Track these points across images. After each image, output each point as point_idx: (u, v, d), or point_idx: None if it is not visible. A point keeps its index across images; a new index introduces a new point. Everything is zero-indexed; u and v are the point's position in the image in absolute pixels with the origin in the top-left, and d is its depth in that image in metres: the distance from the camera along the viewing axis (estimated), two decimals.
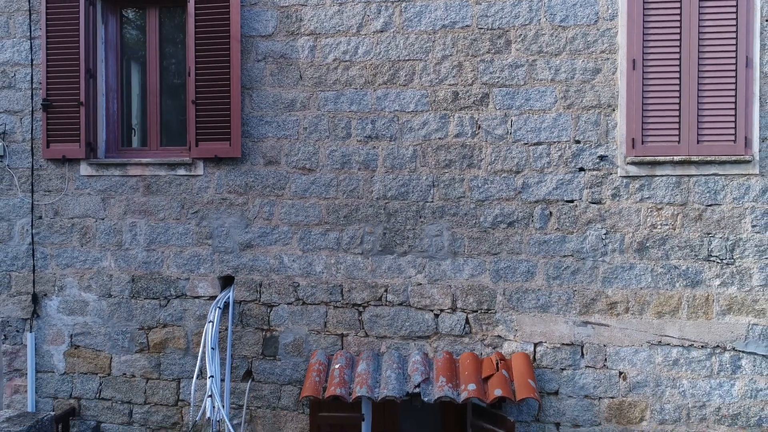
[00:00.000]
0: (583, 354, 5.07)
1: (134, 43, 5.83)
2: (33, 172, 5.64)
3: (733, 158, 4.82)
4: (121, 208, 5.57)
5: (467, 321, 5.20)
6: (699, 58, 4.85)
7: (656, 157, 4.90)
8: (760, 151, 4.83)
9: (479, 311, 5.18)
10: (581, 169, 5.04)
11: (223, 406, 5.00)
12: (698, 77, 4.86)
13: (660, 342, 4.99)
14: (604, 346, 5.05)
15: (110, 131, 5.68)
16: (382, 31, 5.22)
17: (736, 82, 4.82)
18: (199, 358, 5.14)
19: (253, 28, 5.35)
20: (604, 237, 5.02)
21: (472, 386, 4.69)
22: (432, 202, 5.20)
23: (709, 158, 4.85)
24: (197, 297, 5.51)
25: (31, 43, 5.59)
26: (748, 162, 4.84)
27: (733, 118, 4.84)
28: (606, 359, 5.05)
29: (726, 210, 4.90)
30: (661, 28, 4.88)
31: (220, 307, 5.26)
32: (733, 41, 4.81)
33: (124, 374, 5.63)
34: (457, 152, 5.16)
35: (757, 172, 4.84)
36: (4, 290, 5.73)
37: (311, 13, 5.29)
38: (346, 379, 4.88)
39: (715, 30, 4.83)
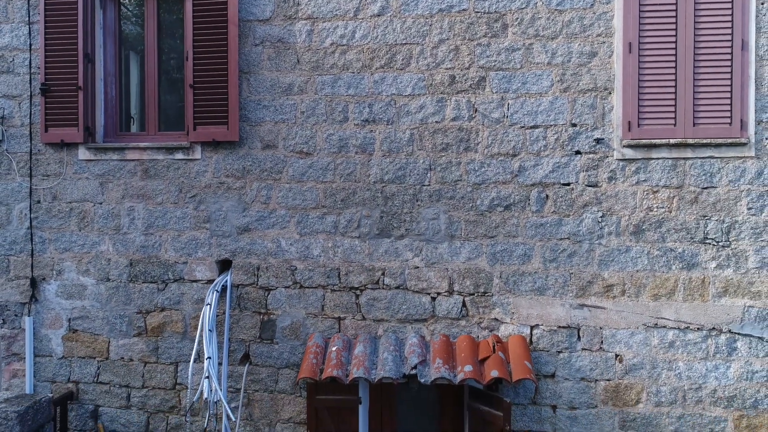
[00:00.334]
0: (579, 337, 5.09)
1: (132, 28, 5.85)
2: (31, 157, 5.66)
3: (729, 141, 4.84)
4: (119, 193, 5.59)
5: (464, 304, 5.22)
6: (695, 41, 4.87)
7: (652, 140, 4.92)
8: (755, 133, 4.85)
9: (476, 294, 5.20)
10: (578, 153, 5.06)
11: (221, 388, 5.02)
12: (694, 60, 4.87)
13: (656, 324, 5.00)
14: (601, 328, 5.07)
15: (108, 116, 5.70)
16: (379, 15, 5.24)
17: (732, 65, 4.84)
18: (196, 341, 5.17)
19: (250, 12, 5.37)
20: (600, 220, 5.04)
21: (468, 368, 4.71)
22: (429, 185, 5.22)
23: (705, 141, 4.87)
24: (195, 281, 5.53)
25: (29, 27, 5.60)
26: (743, 145, 4.86)
27: (729, 101, 4.86)
28: (602, 342, 5.06)
29: (722, 192, 4.92)
30: (657, 11, 4.90)
31: (217, 291, 5.28)
32: (729, 24, 4.83)
33: (122, 358, 5.65)
34: (453, 136, 5.18)
35: (753, 155, 4.86)
36: (3, 274, 5.75)
37: None
38: (343, 361, 4.90)
39: (711, 13, 4.85)
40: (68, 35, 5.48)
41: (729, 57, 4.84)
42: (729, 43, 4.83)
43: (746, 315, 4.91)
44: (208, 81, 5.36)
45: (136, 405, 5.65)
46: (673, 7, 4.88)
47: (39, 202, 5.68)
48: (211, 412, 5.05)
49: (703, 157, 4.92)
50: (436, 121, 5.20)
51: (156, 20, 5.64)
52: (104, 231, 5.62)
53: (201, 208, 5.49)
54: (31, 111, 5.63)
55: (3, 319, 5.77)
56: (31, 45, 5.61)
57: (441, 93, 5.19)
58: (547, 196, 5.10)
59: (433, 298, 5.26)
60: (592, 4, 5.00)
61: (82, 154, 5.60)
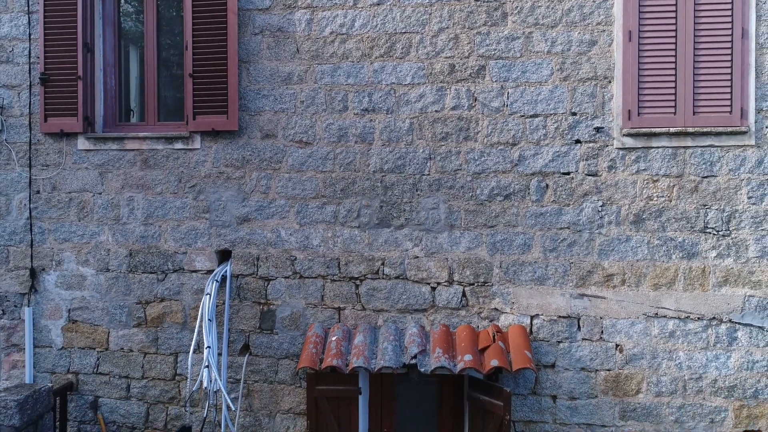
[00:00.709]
0: (579, 326, 5.08)
1: (132, 18, 5.84)
2: (31, 147, 5.65)
3: (729, 129, 4.83)
4: (119, 183, 5.58)
5: (464, 294, 5.21)
6: (695, 29, 4.86)
7: (652, 129, 4.91)
8: (756, 122, 4.84)
9: (476, 284, 5.19)
10: (577, 141, 5.05)
11: (220, 378, 5.02)
12: (694, 48, 4.86)
13: (656, 314, 4.99)
14: (601, 318, 5.06)
15: (108, 106, 5.70)
16: (378, 4, 5.23)
17: (732, 54, 4.83)
18: (196, 331, 5.16)
19: (250, 1, 5.36)
20: (600, 209, 5.03)
21: (468, 357, 4.70)
22: (428, 175, 5.21)
23: (705, 130, 4.85)
24: (195, 271, 5.53)
25: (29, 17, 5.60)
26: (744, 133, 4.84)
27: (729, 90, 4.84)
28: (602, 332, 5.05)
29: (722, 181, 4.91)
30: None
31: (217, 281, 5.28)
32: (729, 12, 4.82)
33: (122, 349, 5.65)
34: (453, 125, 5.17)
35: (753, 144, 4.85)
36: (2, 265, 5.75)
37: None
38: (343, 351, 4.90)
39: (711, 1, 4.84)
40: (68, 25, 5.48)
41: (729, 45, 4.83)
42: (729, 31, 4.82)
43: (747, 304, 4.90)
44: (208, 70, 5.35)
45: (135, 396, 5.64)
46: None
47: (38, 192, 5.67)
48: (211, 402, 5.05)
49: (703, 146, 4.90)
50: (436, 110, 5.19)
51: (155, 10, 5.64)
52: (104, 221, 5.62)
53: (200, 198, 5.49)
54: (30, 101, 5.63)
55: (2, 310, 5.77)
56: (30, 35, 5.61)
57: (441, 82, 5.18)
58: (547, 185, 5.09)
59: (433, 288, 5.25)
60: None
61: (82, 144, 5.59)
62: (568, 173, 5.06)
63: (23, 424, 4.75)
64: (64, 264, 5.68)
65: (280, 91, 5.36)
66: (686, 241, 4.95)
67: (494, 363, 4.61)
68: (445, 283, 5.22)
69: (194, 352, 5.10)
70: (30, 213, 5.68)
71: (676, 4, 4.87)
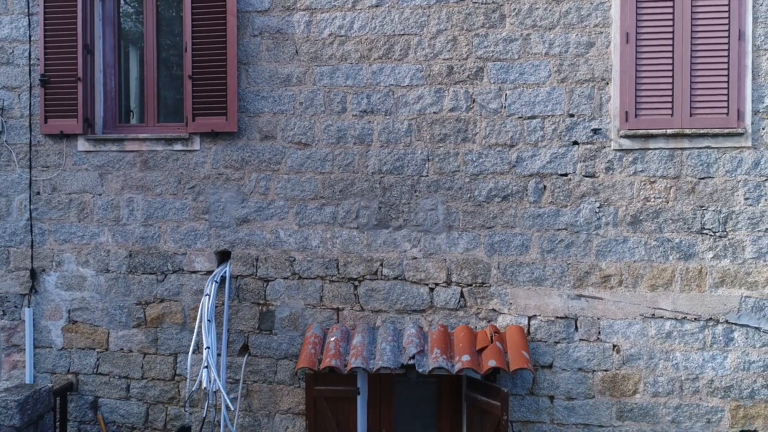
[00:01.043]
0: (577, 327, 5.10)
1: (131, 20, 5.86)
2: (31, 148, 5.68)
3: (726, 131, 4.85)
4: (119, 184, 5.61)
5: (462, 295, 5.23)
6: (692, 31, 4.88)
7: (649, 130, 4.93)
8: (752, 123, 4.86)
9: (474, 285, 5.21)
10: (575, 143, 5.07)
11: (220, 378, 5.04)
12: (691, 50, 4.88)
13: (653, 315, 5.02)
14: (598, 319, 5.08)
15: (108, 107, 5.72)
16: (377, 6, 5.26)
17: (728, 55, 4.85)
18: (195, 332, 5.19)
19: (249, 3, 5.39)
20: (597, 210, 5.05)
21: (466, 357, 4.72)
22: (427, 176, 5.23)
23: (701, 131, 4.88)
24: (194, 272, 5.55)
25: (29, 19, 5.62)
26: (740, 135, 4.87)
27: (725, 91, 4.87)
28: (600, 332, 5.08)
29: (719, 183, 4.93)
30: (654, 1, 4.91)
31: (216, 282, 5.30)
32: (726, 14, 4.84)
33: (122, 349, 5.67)
34: (451, 126, 5.20)
35: (750, 145, 4.87)
36: (3, 266, 5.77)
37: None
38: (341, 351, 4.92)
39: (707, 3, 4.86)
40: (68, 26, 5.50)
41: (726, 47, 4.85)
42: (726, 33, 4.84)
43: (743, 305, 4.93)
44: (207, 72, 5.37)
45: (135, 396, 5.67)
46: None
47: (39, 193, 5.70)
48: (211, 402, 5.07)
49: (700, 148, 4.93)
50: (434, 112, 5.21)
51: (155, 11, 5.66)
52: (104, 222, 5.64)
53: (200, 199, 5.51)
54: (30, 102, 5.65)
55: (3, 311, 5.79)
56: (30, 36, 5.63)
57: (439, 83, 5.20)
58: (544, 186, 5.11)
59: (431, 289, 5.27)
60: None
61: (82, 145, 5.62)
62: (565, 174, 5.08)
63: (24, 424, 4.78)
64: (64, 265, 5.70)
65: (279, 92, 5.39)
66: (683, 242, 4.97)
67: (492, 363, 4.63)
68: (444, 284, 5.25)
69: (194, 352, 5.13)
70: (30, 214, 5.70)
71: (673, 6, 4.90)
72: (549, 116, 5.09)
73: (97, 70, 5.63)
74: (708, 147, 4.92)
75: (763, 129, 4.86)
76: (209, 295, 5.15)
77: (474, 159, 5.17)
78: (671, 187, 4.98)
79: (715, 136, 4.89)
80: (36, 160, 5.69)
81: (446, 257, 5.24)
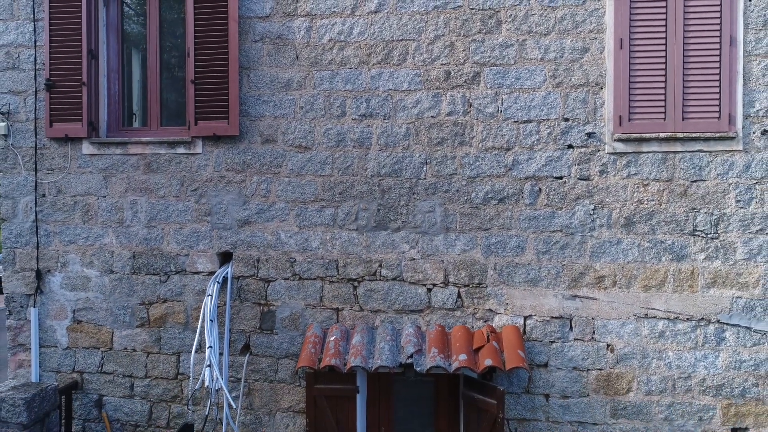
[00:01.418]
0: (571, 327, 5.21)
1: (134, 25, 5.97)
2: (36, 151, 5.78)
3: (718, 135, 4.95)
4: (123, 186, 5.72)
5: (459, 295, 5.33)
6: (684, 37, 4.97)
7: (643, 134, 5.03)
8: (743, 127, 4.96)
9: (471, 285, 5.31)
10: (570, 146, 5.17)
11: (222, 377, 5.14)
12: (684, 56, 4.98)
13: (646, 315, 5.12)
14: (592, 319, 5.18)
15: (111, 111, 5.82)
16: (376, 12, 5.36)
17: (720, 61, 4.95)
18: (198, 331, 5.30)
19: (250, 9, 5.49)
20: (592, 212, 5.15)
21: (463, 357, 4.82)
22: (425, 179, 5.33)
23: (694, 135, 4.98)
24: (196, 272, 5.66)
25: (34, 24, 5.73)
26: (732, 138, 4.96)
27: (717, 96, 4.96)
28: (594, 332, 5.18)
29: (710, 185, 5.03)
30: (647, 7, 5.00)
31: (218, 282, 5.41)
32: (718, 20, 4.93)
33: (126, 348, 5.78)
34: (449, 130, 5.30)
35: (741, 149, 4.97)
36: (9, 267, 5.88)
37: None
38: (341, 350, 5.02)
39: (700, 9, 4.95)
40: (72, 32, 5.60)
41: (717, 52, 4.95)
42: (717, 39, 4.94)
43: (734, 305, 5.03)
44: (209, 77, 5.47)
45: (139, 394, 5.78)
46: (663, 4, 4.98)
47: (44, 195, 5.81)
48: (213, 400, 5.17)
49: (692, 151, 5.03)
50: (432, 116, 5.32)
51: (158, 17, 5.76)
52: (108, 224, 5.75)
53: (202, 202, 5.62)
54: (36, 106, 5.76)
55: (9, 311, 5.90)
56: (36, 42, 5.74)
57: (436, 88, 5.30)
58: (540, 189, 5.21)
59: (429, 290, 5.38)
60: (584, 1, 5.11)
61: (86, 148, 5.72)
62: (560, 177, 5.19)
63: (31, 421, 4.89)
64: (69, 266, 5.81)
65: (279, 96, 5.49)
66: (676, 243, 5.07)
67: (488, 362, 4.74)
68: (441, 285, 5.35)
69: (196, 351, 5.23)
70: (36, 216, 5.81)
71: (666, 13, 4.99)
72: (544, 120, 5.19)
73: (101, 75, 5.74)
74: (700, 150, 5.02)
75: (754, 133, 4.96)
76: (211, 296, 5.25)
77: (471, 162, 5.27)
78: (664, 189, 5.08)
79: (706, 139, 4.99)
80: (41, 163, 5.80)
81: (444, 258, 5.34)
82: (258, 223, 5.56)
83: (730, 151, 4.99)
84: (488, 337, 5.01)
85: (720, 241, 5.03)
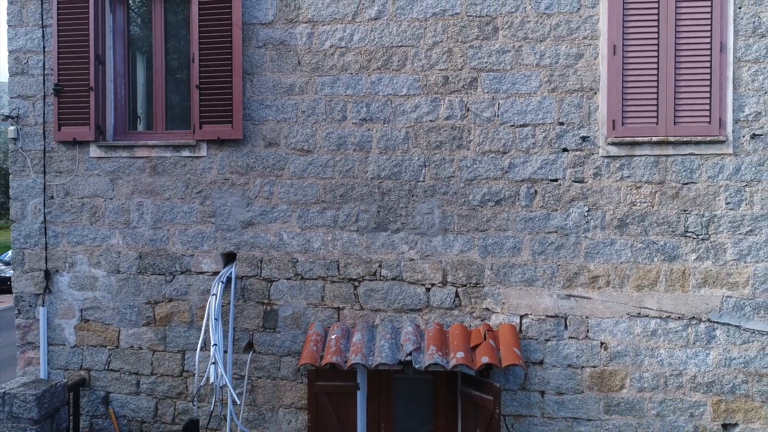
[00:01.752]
0: (566, 325, 5.35)
1: (140, 31, 6.12)
2: (45, 154, 5.93)
3: (708, 139, 5.09)
4: (129, 188, 5.86)
5: (457, 294, 5.48)
6: (676, 43, 5.11)
7: (635, 138, 5.17)
8: (733, 131, 5.10)
9: (468, 285, 5.46)
10: (564, 150, 5.31)
11: (226, 374, 5.28)
12: (675, 62, 5.12)
13: (639, 314, 5.26)
14: (587, 317, 5.32)
15: (118, 115, 5.97)
16: (376, 19, 5.50)
17: (711, 67, 5.09)
18: (203, 330, 5.43)
19: (253, 16, 5.63)
20: (586, 214, 5.29)
21: (460, 354, 4.97)
22: (423, 181, 5.48)
23: (685, 139, 5.11)
24: (201, 272, 5.80)
25: (43, 31, 5.87)
26: (722, 142, 5.10)
27: (708, 101, 5.10)
28: (588, 330, 5.32)
29: (701, 188, 5.17)
30: (640, 14, 5.14)
31: (222, 282, 5.55)
32: (708, 27, 5.07)
33: (132, 347, 5.93)
34: (447, 134, 5.44)
35: (731, 152, 5.11)
36: (18, 267, 6.03)
37: (309, 1, 5.56)
38: (342, 348, 5.17)
39: (691, 16, 5.09)
40: (80, 38, 5.75)
41: (708, 59, 5.08)
42: (708, 46, 5.08)
43: (724, 305, 5.17)
44: (214, 82, 5.62)
45: (145, 391, 5.93)
46: (655, 11, 5.12)
47: (52, 197, 5.96)
48: (217, 396, 5.32)
49: (683, 154, 5.17)
50: (431, 120, 5.46)
51: (163, 23, 5.90)
52: (114, 225, 5.90)
53: (207, 203, 5.76)
54: (44, 110, 5.91)
55: (18, 310, 6.05)
56: (44, 47, 5.88)
57: (435, 93, 5.44)
58: (535, 191, 5.35)
59: (428, 289, 5.52)
60: (578, 8, 5.24)
61: (94, 151, 5.87)
62: (555, 180, 5.33)
63: (41, 417, 5.04)
64: (76, 266, 5.96)
65: (282, 101, 5.63)
66: (667, 244, 5.21)
67: (485, 360, 4.87)
68: (439, 284, 5.50)
69: (201, 349, 5.38)
70: (44, 217, 5.96)
71: (658, 20, 5.13)
72: (540, 124, 5.33)
73: (108, 80, 5.88)
74: (691, 154, 5.16)
75: (744, 137, 5.09)
76: (216, 295, 5.39)
77: (468, 165, 5.42)
78: (656, 192, 5.22)
79: (698, 143, 5.13)
80: (50, 165, 5.94)
81: (442, 259, 5.48)
82: (261, 225, 5.70)
83: (720, 155, 5.13)
84: (485, 335, 5.15)
85: (711, 242, 5.17)
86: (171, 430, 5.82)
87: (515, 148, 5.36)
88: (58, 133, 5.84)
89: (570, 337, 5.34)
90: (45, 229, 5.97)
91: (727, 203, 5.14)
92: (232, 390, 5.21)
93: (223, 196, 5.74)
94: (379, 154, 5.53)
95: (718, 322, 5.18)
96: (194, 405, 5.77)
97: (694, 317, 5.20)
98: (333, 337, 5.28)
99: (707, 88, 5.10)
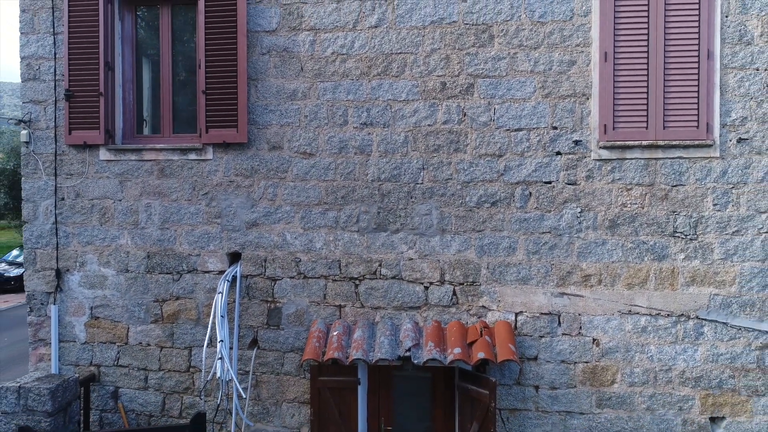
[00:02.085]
0: (560, 322, 5.54)
1: (147, 38, 6.31)
2: (56, 157, 6.14)
3: (696, 142, 5.28)
4: (137, 190, 6.06)
5: (454, 293, 5.68)
6: (665, 50, 5.30)
7: (626, 142, 5.37)
8: (720, 136, 5.29)
9: (465, 284, 5.65)
10: (558, 153, 5.50)
11: (232, 369, 5.48)
12: (664, 68, 5.31)
13: (630, 311, 5.46)
14: (579, 315, 5.52)
15: (126, 119, 6.17)
16: (376, 27, 5.69)
17: (699, 73, 5.28)
18: (209, 327, 5.63)
19: (258, 23, 5.83)
20: (579, 215, 5.49)
21: (457, 350, 5.16)
22: (422, 183, 5.67)
23: (674, 143, 5.31)
24: (207, 272, 6.01)
25: (54, 38, 6.07)
26: (709, 146, 5.29)
27: (696, 106, 5.29)
28: (581, 327, 5.52)
29: (690, 190, 5.36)
30: (630, 23, 5.33)
31: (228, 281, 5.75)
32: (696, 35, 5.26)
33: (140, 343, 6.13)
34: (444, 138, 5.64)
35: (718, 155, 5.30)
36: (30, 266, 6.23)
37: (311, 10, 5.76)
38: (343, 344, 5.36)
39: (679, 25, 5.28)
40: (90, 45, 5.94)
41: (696, 65, 5.27)
42: (696, 53, 5.27)
43: (712, 302, 5.36)
44: (219, 87, 5.81)
45: (153, 386, 6.13)
46: (645, 20, 5.31)
47: (63, 199, 6.16)
48: (223, 391, 5.52)
49: (672, 158, 5.36)
50: (429, 125, 5.65)
51: (170, 31, 6.10)
52: (123, 226, 6.10)
53: (213, 205, 5.97)
54: (55, 115, 6.11)
55: (30, 308, 6.26)
56: (55, 54, 6.08)
57: (433, 98, 5.64)
58: (530, 193, 5.55)
59: (426, 288, 5.72)
60: (571, 17, 5.44)
61: (103, 154, 6.07)
62: (549, 182, 5.52)
63: (55, 410, 5.24)
64: (87, 265, 6.16)
65: (285, 106, 5.83)
66: (657, 244, 5.41)
67: (481, 355, 5.07)
68: (437, 283, 5.69)
69: (207, 345, 5.58)
70: (55, 218, 6.16)
71: (647, 28, 5.32)
72: (534, 128, 5.52)
73: (117, 85, 6.08)
74: (680, 157, 5.35)
75: (730, 141, 5.29)
76: (222, 293, 5.59)
77: (465, 168, 5.61)
78: (646, 193, 5.41)
79: (686, 147, 5.32)
80: (61, 168, 6.15)
81: (440, 258, 5.68)
82: (265, 225, 5.90)
83: (708, 158, 5.32)
84: (481, 332, 5.35)
85: (698, 242, 5.36)
86: (178, 424, 6.01)
87: (510, 151, 5.56)
88: (69, 137, 6.04)
89: (563, 334, 5.54)
90: (56, 229, 6.17)
91: (715, 205, 5.33)
92: (237, 384, 5.41)
93: (228, 198, 5.94)
94: (379, 157, 5.73)
95: (705, 319, 5.37)
96: (201, 399, 5.97)
97: (682, 314, 5.40)
98: (335, 333, 5.47)
99: (695, 94, 5.29)
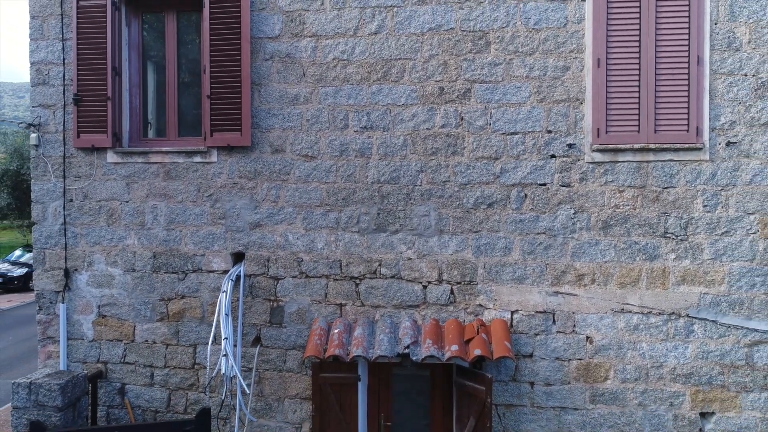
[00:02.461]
0: (554, 320, 5.71)
1: (154, 44, 6.48)
2: (65, 160, 6.30)
3: (687, 146, 5.44)
4: (144, 192, 6.23)
5: (452, 291, 5.84)
6: (656, 56, 5.46)
7: (618, 145, 5.52)
8: (710, 139, 5.45)
9: (462, 283, 5.82)
10: (552, 156, 5.67)
11: (236, 365, 5.64)
12: (656, 74, 5.47)
13: (622, 309, 5.61)
14: (573, 313, 5.68)
15: (133, 123, 6.34)
16: (376, 33, 5.86)
17: (689, 78, 5.44)
18: (214, 324, 5.79)
19: (261, 30, 6.00)
20: (572, 216, 5.65)
21: (455, 347, 5.32)
22: (420, 185, 5.84)
23: (665, 146, 5.47)
24: (212, 271, 6.17)
25: (63, 44, 6.24)
26: (699, 149, 5.45)
27: (686, 110, 5.45)
28: (575, 325, 5.68)
29: (680, 192, 5.52)
30: (622, 30, 5.49)
31: (232, 280, 5.91)
32: (686, 42, 5.42)
33: (146, 341, 6.30)
34: (442, 141, 5.80)
35: (708, 158, 5.46)
36: (39, 266, 6.40)
37: (313, 17, 5.93)
38: (344, 342, 5.52)
39: (670, 32, 5.44)
40: (98, 50, 6.11)
41: (686, 71, 5.43)
42: (686, 59, 5.43)
43: (702, 301, 5.52)
44: (223, 92, 5.98)
45: (158, 383, 6.30)
46: (637, 27, 5.47)
47: (71, 200, 6.33)
48: (227, 387, 5.68)
49: (663, 161, 5.52)
50: (427, 128, 5.82)
51: (175, 37, 6.27)
52: (130, 226, 6.27)
53: (217, 206, 6.13)
54: (64, 119, 6.28)
55: (39, 306, 6.42)
56: (64, 59, 6.25)
57: (431, 103, 5.80)
58: (525, 195, 5.71)
59: (425, 287, 5.88)
60: (565, 24, 5.60)
61: (111, 157, 6.24)
62: (544, 184, 5.68)
63: (65, 405, 5.41)
64: (94, 265, 6.33)
65: (288, 110, 6.00)
66: (649, 244, 5.57)
67: (477, 352, 5.22)
68: (435, 282, 5.86)
69: (212, 343, 5.74)
70: (64, 219, 6.33)
71: (639, 35, 5.48)
72: (529, 132, 5.68)
73: (124, 90, 6.25)
74: (671, 160, 5.51)
75: (720, 144, 5.45)
76: (226, 292, 5.74)
77: (462, 170, 5.78)
78: (638, 195, 5.57)
79: (677, 150, 5.48)
80: (69, 170, 6.31)
81: (438, 258, 5.84)
82: (268, 226, 6.07)
83: (697, 161, 5.48)
84: (478, 329, 5.50)
85: (689, 242, 5.52)
86: (183, 419, 6.18)
87: (506, 154, 5.72)
88: (77, 140, 6.21)
89: (558, 332, 5.70)
90: (65, 230, 6.34)
91: (704, 206, 5.49)
92: (241, 381, 5.57)
93: (232, 200, 6.11)
94: (378, 159, 5.89)
95: (696, 318, 5.53)
96: (206, 395, 6.14)
97: (673, 313, 5.55)
98: (336, 331, 5.63)
99: (685, 99, 5.45)
